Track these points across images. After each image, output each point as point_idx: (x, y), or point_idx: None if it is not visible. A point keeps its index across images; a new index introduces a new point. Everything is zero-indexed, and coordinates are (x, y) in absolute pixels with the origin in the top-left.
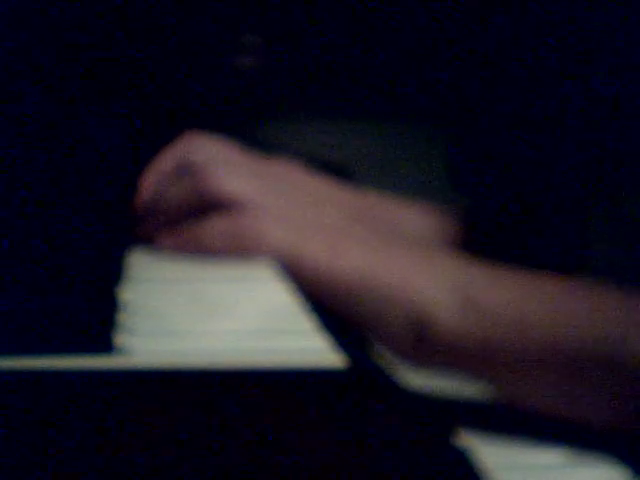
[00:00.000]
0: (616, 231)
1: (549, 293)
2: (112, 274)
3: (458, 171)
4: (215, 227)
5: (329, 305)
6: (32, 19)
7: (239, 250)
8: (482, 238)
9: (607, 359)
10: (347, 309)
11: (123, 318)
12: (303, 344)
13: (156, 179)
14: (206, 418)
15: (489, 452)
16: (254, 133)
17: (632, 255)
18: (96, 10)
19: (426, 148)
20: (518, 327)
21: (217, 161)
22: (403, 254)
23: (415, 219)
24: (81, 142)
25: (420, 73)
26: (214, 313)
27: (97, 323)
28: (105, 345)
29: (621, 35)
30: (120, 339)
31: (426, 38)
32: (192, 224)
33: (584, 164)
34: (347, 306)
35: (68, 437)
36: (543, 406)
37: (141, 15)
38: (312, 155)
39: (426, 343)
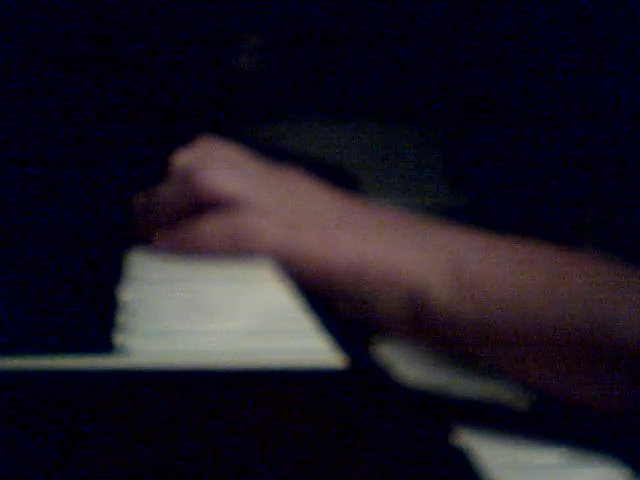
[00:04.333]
0: (611, 235)
1: (545, 268)
2: (112, 274)
3: (458, 171)
4: (210, 225)
5: (325, 295)
6: (32, 19)
7: (234, 248)
8: None
9: (603, 338)
10: (343, 297)
11: (123, 318)
12: (303, 344)
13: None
14: (206, 418)
15: (489, 452)
16: (254, 133)
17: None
18: (96, 11)
19: (426, 148)
20: (513, 304)
21: (213, 160)
22: (395, 234)
23: None
24: (81, 142)
25: (420, 73)
26: (214, 313)
27: (97, 323)
28: (105, 345)
29: (621, 39)
30: (120, 339)
31: (426, 38)
32: (187, 223)
33: (581, 166)
34: (343, 294)
35: (68, 437)
36: (540, 386)
37: (141, 15)
38: (314, 157)
39: (423, 323)
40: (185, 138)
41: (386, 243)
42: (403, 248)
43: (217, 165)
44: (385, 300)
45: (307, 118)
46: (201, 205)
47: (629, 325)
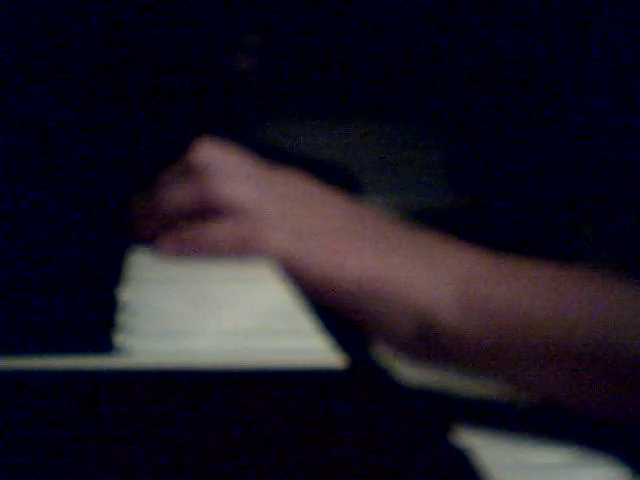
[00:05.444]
0: (608, 237)
1: (552, 286)
2: (112, 274)
3: (459, 171)
4: (218, 230)
5: (333, 309)
6: (33, 19)
7: (242, 254)
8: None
9: (610, 353)
10: (351, 312)
11: (123, 318)
12: (303, 344)
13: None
14: (206, 418)
15: (489, 452)
16: (254, 133)
17: (624, 260)
18: (95, 11)
19: (426, 148)
20: (521, 322)
21: (221, 166)
22: (404, 255)
23: None
24: (82, 142)
25: (420, 73)
26: (214, 313)
27: (97, 323)
28: (105, 345)
29: (619, 41)
30: (120, 339)
31: (426, 38)
32: (195, 227)
33: (579, 169)
34: (351, 309)
35: (68, 437)
36: (547, 397)
37: (140, 15)
38: (314, 157)
39: (430, 342)
40: (185, 139)
41: (395, 259)
42: (412, 266)
43: (227, 171)
44: (392, 317)
45: (307, 118)
46: (209, 210)
47: (634, 338)
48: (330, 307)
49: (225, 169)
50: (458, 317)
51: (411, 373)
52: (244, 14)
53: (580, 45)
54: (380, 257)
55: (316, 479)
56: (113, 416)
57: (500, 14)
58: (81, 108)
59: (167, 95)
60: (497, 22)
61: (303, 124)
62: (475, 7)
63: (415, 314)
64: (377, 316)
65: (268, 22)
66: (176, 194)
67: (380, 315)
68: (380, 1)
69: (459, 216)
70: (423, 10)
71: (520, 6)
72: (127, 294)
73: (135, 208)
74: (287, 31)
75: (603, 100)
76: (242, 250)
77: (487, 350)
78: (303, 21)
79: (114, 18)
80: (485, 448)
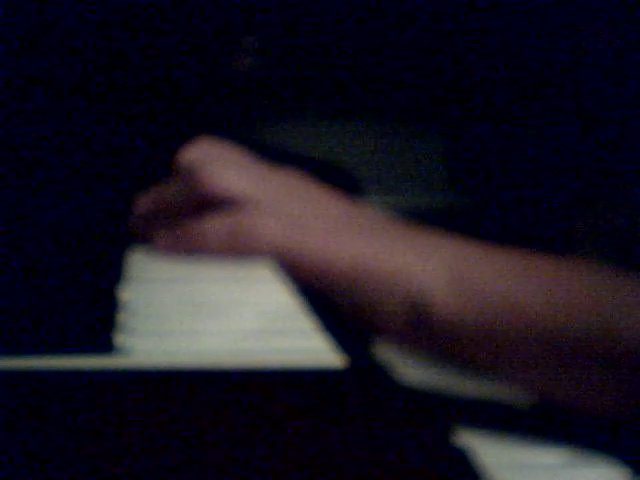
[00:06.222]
0: (599, 237)
1: (546, 275)
2: (112, 274)
3: (459, 171)
4: (212, 224)
5: (326, 296)
6: (33, 19)
7: (237, 247)
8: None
9: (604, 344)
10: (343, 298)
11: (123, 318)
12: (303, 344)
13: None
14: (206, 418)
15: (489, 452)
16: (254, 133)
17: (615, 259)
18: (95, 11)
19: (427, 148)
20: (514, 310)
21: (215, 160)
22: (397, 240)
23: None
24: (82, 143)
25: (420, 73)
26: (214, 313)
27: (97, 323)
28: (105, 345)
29: (619, 41)
30: (120, 339)
31: (426, 38)
32: (190, 222)
33: (579, 170)
34: (343, 295)
35: (68, 437)
36: (540, 391)
37: (140, 15)
38: (314, 157)
39: (422, 328)
40: (185, 138)
41: (388, 248)
42: (405, 253)
43: (221, 164)
44: (385, 304)
45: (307, 118)
46: (204, 204)
47: (630, 330)
48: (323, 294)
49: (218, 162)
50: (452, 301)
51: (411, 373)
52: (243, 14)
53: (579, 44)
54: (373, 244)
55: (316, 479)
56: (113, 416)
57: (500, 14)
58: (82, 108)
59: (167, 95)
60: (497, 22)
61: (303, 124)
62: (476, 7)
63: (408, 297)
64: (369, 300)
65: (267, 22)
66: (173, 189)
67: (373, 300)
68: (380, 0)
69: (459, 216)
70: (424, 10)
71: (520, 5)
72: (127, 294)
73: (135, 208)
74: (287, 31)
75: (602, 100)
76: (236, 241)
77: (480, 336)
78: (303, 21)
79: (114, 19)
80: (485, 448)
